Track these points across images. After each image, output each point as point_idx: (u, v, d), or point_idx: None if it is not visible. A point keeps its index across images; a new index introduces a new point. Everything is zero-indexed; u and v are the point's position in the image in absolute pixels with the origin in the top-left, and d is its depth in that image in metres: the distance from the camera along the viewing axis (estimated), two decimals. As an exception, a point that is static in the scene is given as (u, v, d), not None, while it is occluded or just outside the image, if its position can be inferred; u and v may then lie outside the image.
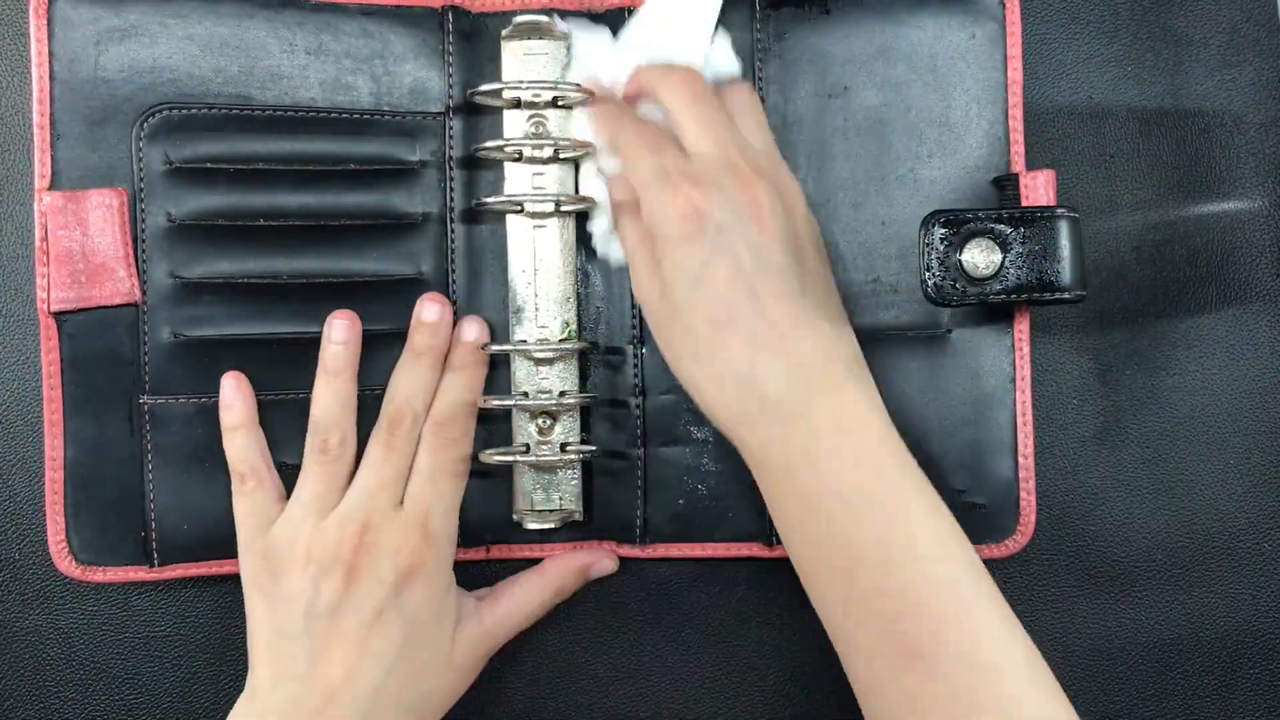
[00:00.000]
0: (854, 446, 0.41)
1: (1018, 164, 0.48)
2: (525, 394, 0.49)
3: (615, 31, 0.49)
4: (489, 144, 0.48)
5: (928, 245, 0.45)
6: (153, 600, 0.51)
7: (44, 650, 0.51)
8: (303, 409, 0.48)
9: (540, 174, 0.49)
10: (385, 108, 0.48)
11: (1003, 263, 0.45)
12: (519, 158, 0.49)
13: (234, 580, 0.48)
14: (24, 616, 0.51)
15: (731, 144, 0.44)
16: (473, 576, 0.51)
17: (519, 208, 0.49)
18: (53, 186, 0.47)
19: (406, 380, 0.47)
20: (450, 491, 0.47)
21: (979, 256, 0.45)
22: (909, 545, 0.40)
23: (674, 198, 0.43)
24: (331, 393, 0.47)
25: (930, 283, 0.45)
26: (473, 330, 0.48)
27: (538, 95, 0.48)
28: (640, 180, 0.44)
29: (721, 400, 0.43)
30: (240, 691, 0.46)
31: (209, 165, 0.47)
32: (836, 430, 0.41)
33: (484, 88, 0.48)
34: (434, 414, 0.47)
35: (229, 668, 0.51)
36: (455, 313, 0.49)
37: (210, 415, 0.47)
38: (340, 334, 0.47)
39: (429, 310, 0.48)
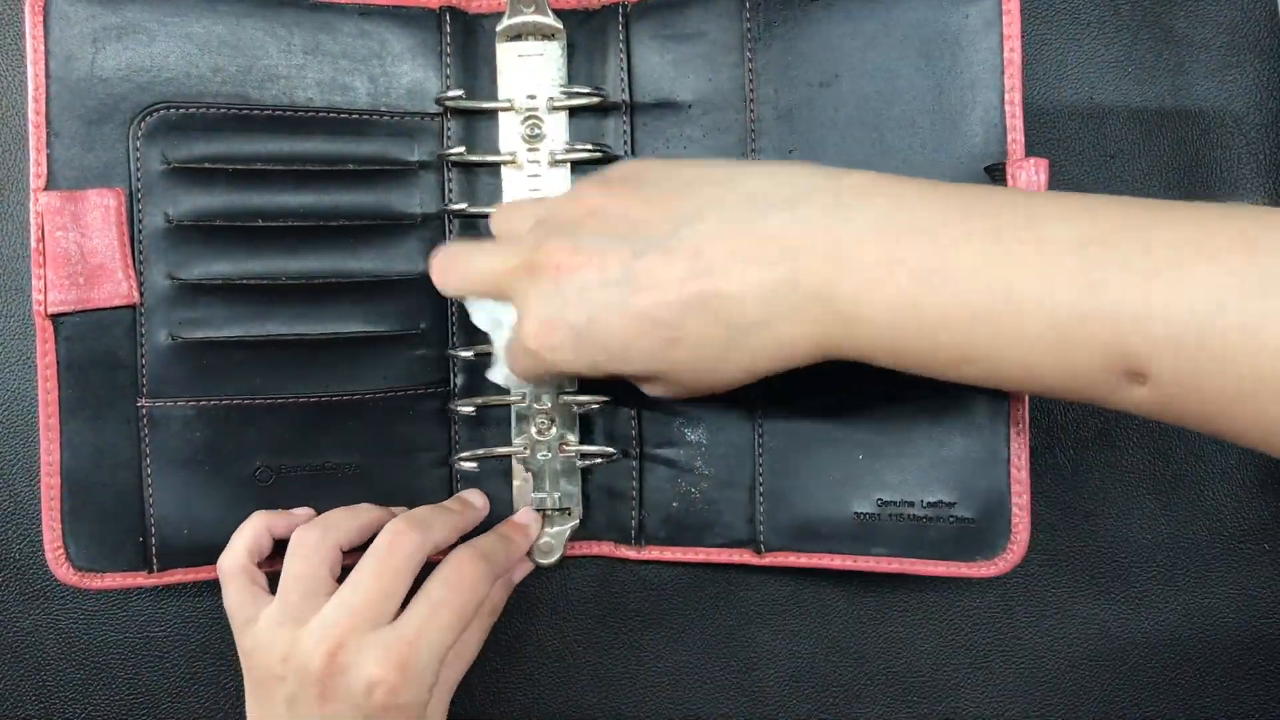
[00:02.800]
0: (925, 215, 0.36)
1: (1016, 151, 0.46)
2: (523, 395, 0.49)
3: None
4: (452, 151, 0.48)
5: None
6: (153, 601, 0.51)
7: (43, 650, 0.51)
8: (301, 413, 0.47)
9: (536, 175, 0.49)
10: (383, 108, 0.48)
11: None
12: (513, 162, 0.49)
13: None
14: (24, 616, 0.51)
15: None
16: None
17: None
18: (49, 187, 0.46)
19: (428, 511, 0.46)
20: (448, 631, 0.43)
21: None
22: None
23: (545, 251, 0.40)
24: (355, 514, 0.47)
25: None
26: (526, 516, 0.49)
27: (531, 98, 0.49)
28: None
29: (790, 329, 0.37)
30: (238, 699, 0.46)
31: (207, 165, 0.47)
32: (890, 229, 0.36)
33: (449, 94, 0.48)
34: (475, 548, 0.46)
35: (229, 669, 0.51)
36: (453, 314, 0.49)
37: (209, 417, 0.47)
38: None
39: (476, 497, 0.49)
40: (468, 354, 0.49)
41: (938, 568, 0.47)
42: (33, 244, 0.45)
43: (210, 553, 0.47)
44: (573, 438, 0.50)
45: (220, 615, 0.51)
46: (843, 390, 0.48)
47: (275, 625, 0.43)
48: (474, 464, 0.49)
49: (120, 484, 0.47)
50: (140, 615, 0.51)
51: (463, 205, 0.49)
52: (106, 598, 0.51)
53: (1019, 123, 0.46)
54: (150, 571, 0.47)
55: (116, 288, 0.46)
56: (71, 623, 0.51)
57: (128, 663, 0.51)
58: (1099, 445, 0.51)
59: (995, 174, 0.46)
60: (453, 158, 0.49)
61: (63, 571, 0.46)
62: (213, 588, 0.51)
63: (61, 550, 0.46)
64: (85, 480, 0.47)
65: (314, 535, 0.45)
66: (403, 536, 0.44)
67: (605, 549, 0.51)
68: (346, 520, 0.46)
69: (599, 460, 0.49)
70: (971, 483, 0.47)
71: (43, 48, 0.46)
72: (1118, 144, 0.52)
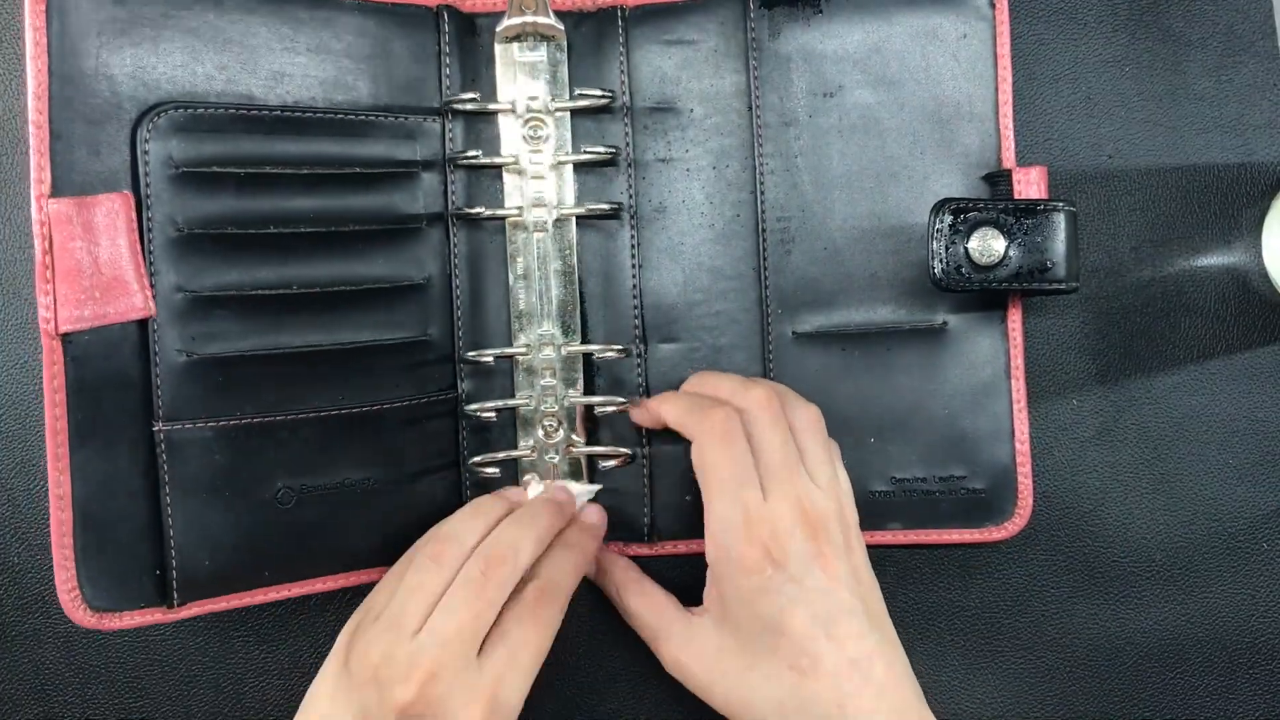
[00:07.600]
0: None
1: (1009, 160, 0.49)
2: (530, 397, 0.49)
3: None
4: (464, 155, 0.48)
5: (937, 232, 0.46)
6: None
7: (42, 654, 0.51)
8: (320, 427, 0.46)
9: (539, 178, 0.49)
10: (385, 108, 0.48)
11: (1006, 251, 0.46)
12: (515, 164, 0.49)
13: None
14: (23, 621, 0.50)
15: (801, 493, 0.44)
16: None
17: (518, 213, 0.49)
18: (54, 194, 0.42)
19: (519, 530, 0.45)
20: (530, 669, 0.44)
21: (983, 245, 0.46)
22: None
23: (750, 544, 0.43)
24: (482, 516, 0.46)
25: (938, 268, 0.46)
26: (594, 515, 0.49)
27: (533, 99, 0.49)
28: (719, 514, 0.44)
29: None
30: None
31: (215, 169, 0.45)
32: None
33: (462, 95, 0.48)
34: (543, 580, 0.45)
35: (228, 671, 0.51)
36: (459, 319, 0.49)
37: (229, 438, 0.45)
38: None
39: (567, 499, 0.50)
40: (488, 358, 0.49)
41: (950, 535, 0.50)
42: (39, 256, 0.42)
43: (231, 581, 0.46)
44: (580, 439, 0.50)
45: (218, 620, 0.51)
46: (849, 380, 0.49)
47: (382, 630, 0.43)
48: (494, 469, 0.49)
49: (136, 514, 0.44)
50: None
51: (479, 210, 0.49)
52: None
53: (1011, 133, 0.49)
54: (170, 607, 0.45)
55: (132, 300, 0.43)
56: (70, 627, 0.50)
57: (126, 666, 0.51)
58: (1099, 445, 0.52)
59: (998, 181, 0.48)
60: (462, 160, 0.48)
61: (80, 614, 0.43)
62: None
63: (77, 592, 0.43)
64: (99, 512, 0.43)
65: (453, 551, 0.44)
66: (497, 568, 0.44)
67: (614, 549, 0.50)
68: (474, 538, 0.45)
69: (610, 462, 0.49)
70: (979, 457, 0.50)
71: (44, 41, 0.43)
72: (1115, 144, 0.52)
